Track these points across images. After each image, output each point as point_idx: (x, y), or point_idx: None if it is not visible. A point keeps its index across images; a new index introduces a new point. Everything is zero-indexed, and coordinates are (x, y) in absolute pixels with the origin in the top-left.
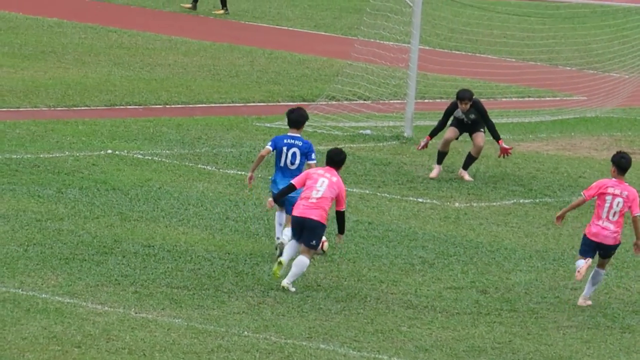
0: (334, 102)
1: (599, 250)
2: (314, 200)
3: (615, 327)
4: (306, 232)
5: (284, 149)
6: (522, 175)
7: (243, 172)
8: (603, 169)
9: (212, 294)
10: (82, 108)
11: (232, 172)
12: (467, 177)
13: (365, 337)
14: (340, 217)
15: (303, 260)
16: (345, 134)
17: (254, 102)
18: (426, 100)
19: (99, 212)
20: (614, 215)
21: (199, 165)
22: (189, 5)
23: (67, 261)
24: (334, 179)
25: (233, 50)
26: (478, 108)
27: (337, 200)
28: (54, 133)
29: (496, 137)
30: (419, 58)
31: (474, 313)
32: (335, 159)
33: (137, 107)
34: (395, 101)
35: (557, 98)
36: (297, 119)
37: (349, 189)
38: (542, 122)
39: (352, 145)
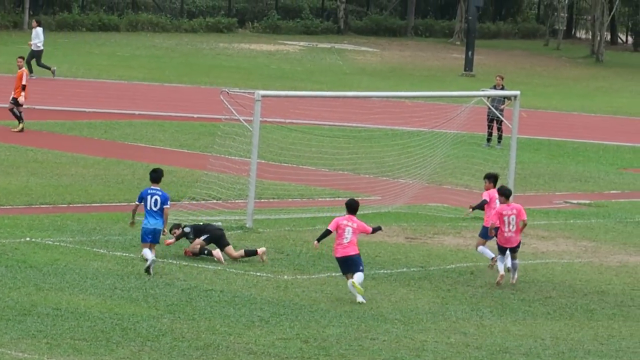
0: (194, 202)
1: (509, 251)
2: (347, 243)
3: None
4: (352, 264)
5: (148, 197)
6: (332, 255)
7: (127, 254)
8: (394, 250)
9: (104, 344)
10: (7, 207)
11: (119, 254)
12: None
13: None
14: (373, 233)
15: (360, 276)
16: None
17: (133, 201)
18: (262, 200)
19: (20, 284)
20: (513, 227)
21: (94, 249)
22: (20, 128)
23: None
24: (355, 225)
25: (119, 163)
26: None
27: (362, 231)
28: None
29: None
30: (257, 169)
31: (298, 357)
32: (353, 207)
33: (48, 205)
34: (239, 200)
35: (360, 197)
36: (157, 176)
37: (204, 267)
38: None
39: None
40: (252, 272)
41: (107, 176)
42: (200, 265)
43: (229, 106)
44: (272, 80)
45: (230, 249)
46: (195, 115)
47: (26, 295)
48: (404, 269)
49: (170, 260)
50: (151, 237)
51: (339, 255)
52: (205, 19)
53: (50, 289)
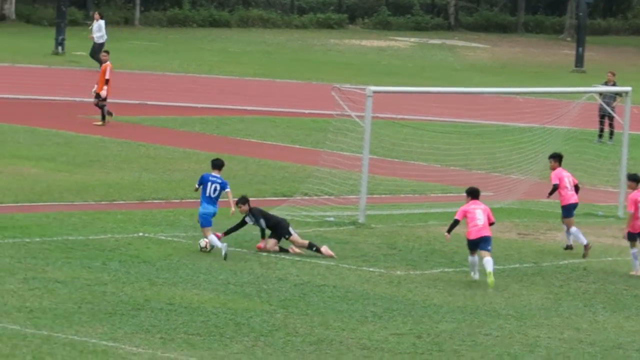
0: (306, 197)
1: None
2: (481, 225)
3: None
4: (483, 243)
5: (209, 184)
6: (446, 250)
7: (240, 249)
8: (507, 246)
9: (217, 339)
10: (120, 202)
11: (231, 249)
12: None
13: None
14: (491, 226)
15: (489, 259)
16: (315, 220)
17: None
18: (375, 196)
19: (133, 279)
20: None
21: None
22: (100, 123)
23: (110, 315)
24: (483, 207)
25: (232, 159)
26: None
27: (489, 215)
28: (99, 221)
29: None
30: (368, 165)
31: (411, 352)
32: (476, 192)
33: (160, 201)
34: (351, 196)
35: None
36: (218, 163)
37: (317, 262)
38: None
39: (320, 228)
40: (365, 268)
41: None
42: (312, 261)
43: (341, 102)
44: (383, 76)
45: (296, 237)
46: (307, 111)
47: (140, 290)
48: (517, 265)
49: (284, 256)
50: (212, 222)
51: (473, 237)
52: (316, 15)
53: (163, 283)
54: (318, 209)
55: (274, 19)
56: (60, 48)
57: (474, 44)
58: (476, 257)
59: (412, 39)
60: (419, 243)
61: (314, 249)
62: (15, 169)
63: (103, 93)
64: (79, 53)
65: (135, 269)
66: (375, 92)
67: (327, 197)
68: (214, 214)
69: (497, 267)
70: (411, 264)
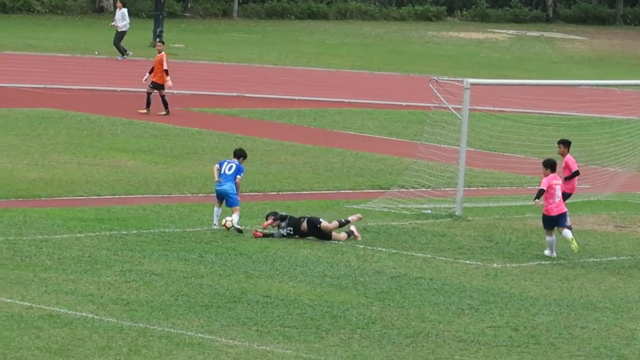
0: (403, 190)
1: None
2: (559, 201)
3: (613, 355)
4: (562, 219)
5: (225, 162)
6: (543, 243)
7: (336, 242)
8: (604, 239)
9: (314, 331)
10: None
11: (328, 241)
12: None
13: None
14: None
15: (568, 231)
16: (412, 213)
17: (344, 189)
18: (472, 188)
19: (229, 271)
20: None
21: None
22: (145, 111)
23: (206, 307)
24: (560, 182)
25: (328, 151)
26: None
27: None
28: (196, 213)
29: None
30: (466, 157)
31: (508, 345)
32: (555, 166)
33: (257, 193)
34: (448, 189)
35: None
36: (239, 152)
37: (415, 254)
38: None
39: (416, 221)
40: (461, 260)
41: (317, 164)
42: (409, 254)
43: (438, 94)
44: (481, 68)
45: (325, 224)
46: (405, 104)
47: (236, 282)
48: (614, 258)
49: (380, 248)
50: (222, 199)
51: (554, 213)
52: (414, 7)
53: (260, 276)
54: (415, 202)
55: (372, 11)
56: (158, 40)
57: (572, 36)
58: (554, 236)
59: (510, 31)
60: (516, 235)
61: (344, 221)
62: (112, 161)
63: (169, 83)
64: (177, 45)
65: (231, 262)
66: (473, 84)
67: (424, 189)
68: (225, 192)
69: (594, 259)
70: (508, 257)
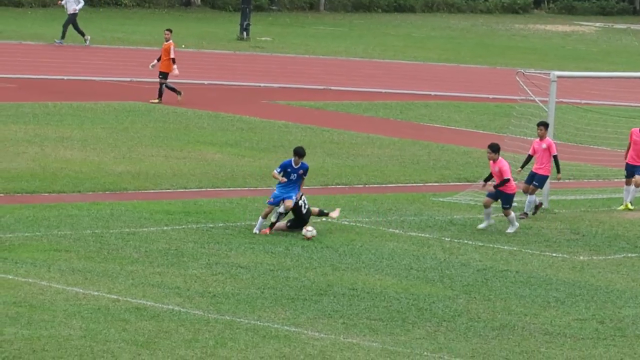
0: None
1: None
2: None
3: None
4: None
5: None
6: (630, 236)
7: (423, 235)
8: None
9: (400, 324)
10: (303, 187)
11: (414, 234)
12: None
13: (513, 356)
14: None
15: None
16: (498, 204)
17: (430, 182)
18: (559, 181)
19: (316, 264)
20: None
21: (390, 230)
22: (157, 101)
23: (293, 300)
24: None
25: (414, 144)
26: None
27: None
28: None
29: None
30: None
31: (594, 338)
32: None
33: (343, 186)
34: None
35: None
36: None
37: (501, 247)
38: None
39: (501, 214)
40: (547, 253)
41: (403, 157)
42: (495, 246)
43: (525, 87)
44: (567, 61)
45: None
46: (491, 96)
47: (322, 275)
48: None
49: (466, 241)
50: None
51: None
52: (501, 0)
53: (346, 269)
54: None
55: (458, 4)
56: (245, 33)
57: None
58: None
59: (597, 24)
60: (602, 228)
61: (325, 212)
62: (199, 154)
63: (176, 72)
64: (264, 38)
65: (317, 254)
66: (559, 77)
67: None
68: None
69: None
70: (594, 249)
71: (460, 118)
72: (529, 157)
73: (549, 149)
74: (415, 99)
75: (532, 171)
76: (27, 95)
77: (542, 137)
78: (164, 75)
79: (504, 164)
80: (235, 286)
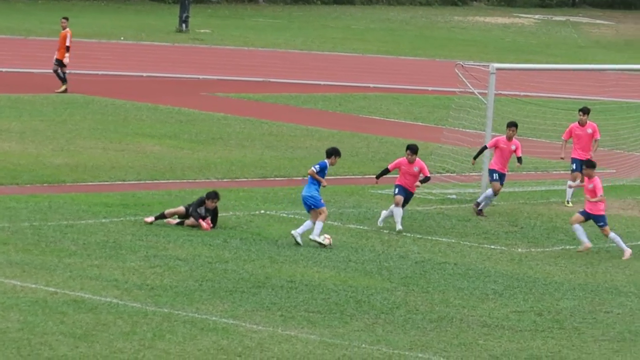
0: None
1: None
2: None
3: (637, 339)
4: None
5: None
6: (568, 228)
7: (361, 227)
8: (629, 223)
9: (338, 316)
10: (242, 179)
11: (352, 226)
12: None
13: (452, 348)
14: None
15: None
16: (437, 197)
17: (369, 175)
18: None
19: (254, 256)
20: None
21: (328, 222)
22: (63, 89)
23: (231, 292)
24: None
25: (354, 136)
26: None
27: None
28: (221, 198)
29: None
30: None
31: (532, 330)
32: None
33: (282, 178)
34: (473, 173)
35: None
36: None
37: (439, 239)
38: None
39: (442, 206)
40: (486, 245)
41: (342, 149)
42: (434, 239)
43: (464, 79)
44: (507, 53)
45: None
46: (430, 88)
47: (260, 267)
48: (639, 242)
49: (405, 233)
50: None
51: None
52: None
53: (284, 261)
54: (440, 187)
55: None
56: (184, 25)
57: (598, 21)
58: None
59: (536, 16)
60: (541, 220)
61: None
62: (138, 146)
63: (66, 60)
64: (202, 30)
65: (256, 247)
66: (498, 69)
67: (449, 174)
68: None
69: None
70: (533, 242)
71: (399, 110)
72: (484, 148)
73: (519, 148)
74: (355, 91)
75: (490, 167)
76: None
77: (510, 138)
78: (59, 62)
79: (423, 163)
80: (173, 279)
